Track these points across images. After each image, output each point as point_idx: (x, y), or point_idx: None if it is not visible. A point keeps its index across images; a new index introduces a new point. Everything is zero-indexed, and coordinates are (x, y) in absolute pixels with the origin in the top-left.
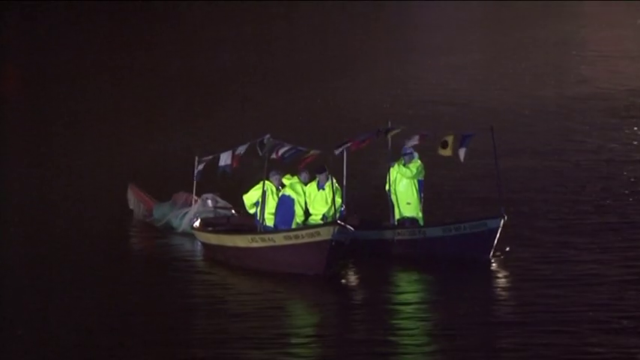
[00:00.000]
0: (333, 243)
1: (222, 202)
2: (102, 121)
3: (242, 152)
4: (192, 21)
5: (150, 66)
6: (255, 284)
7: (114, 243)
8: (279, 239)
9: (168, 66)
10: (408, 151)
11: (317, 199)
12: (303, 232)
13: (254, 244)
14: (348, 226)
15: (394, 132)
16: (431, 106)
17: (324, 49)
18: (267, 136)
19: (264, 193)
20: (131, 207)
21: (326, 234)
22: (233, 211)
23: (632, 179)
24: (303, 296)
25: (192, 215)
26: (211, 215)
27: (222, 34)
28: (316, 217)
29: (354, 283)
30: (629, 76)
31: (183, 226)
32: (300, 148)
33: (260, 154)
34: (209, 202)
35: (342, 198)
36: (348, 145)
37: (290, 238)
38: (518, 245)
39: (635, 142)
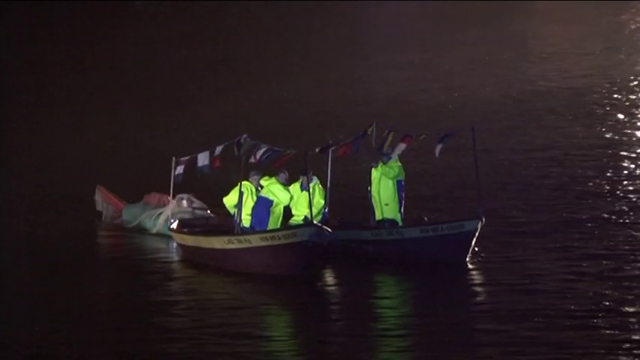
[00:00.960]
0: (310, 244)
1: (197, 203)
2: (66, 120)
3: (219, 152)
4: (151, 18)
5: (107, 63)
6: (232, 286)
7: (86, 245)
8: (255, 240)
9: (125, 63)
10: (387, 152)
11: (300, 201)
12: (280, 234)
13: (230, 246)
14: (325, 228)
15: (389, 141)
16: (372, 104)
17: (275, 47)
18: (245, 135)
19: (241, 194)
20: (99, 209)
21: (302, 235)
22: (209, 212)
23: (579, 177)
24: (279, 298)
25: (166, 216)
26: (187, 216)
27: (179, 31)
28: (298, 218)
29: (331, 285)
30: (574, 75)
31: (157, 226)
32: (277, 148)
33: (237, 153)
34: (184, 202)
35: (325, 199)
36: (332, 147)
37: (267, 239)
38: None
39: (578, 140)
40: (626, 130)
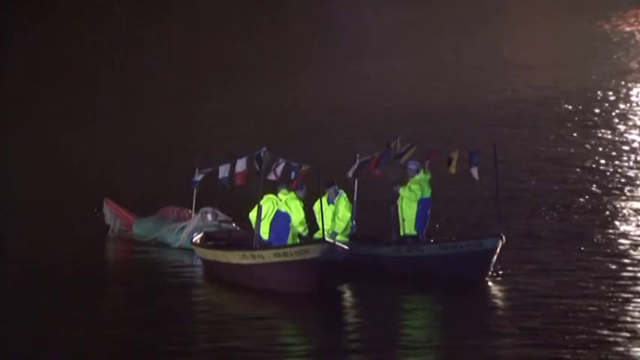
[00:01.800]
0: (322, 261)
1: (222, 216)
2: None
3: (244, 167)
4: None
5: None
6: (245, 302)
7: (104, 259)
8: (268, 256)
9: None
10: (411, 167)
11: (326, 214)
12: (293, 250)
13: (244, 261)
14: (339, 244)
15: (409, 154)
16: (351, 115)
17: (252, 52)
18: (264, 149)
19: (259, 208)
20: (107, 222)
21: (315, 252)
22: (234, 225)
23: (553, 189)
24: (294, 315)
25: (190, 230)
26: (213, 229)
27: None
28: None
29: (347, 302)
30: (543, 85)
31: (180, 240)
32: (294, 163)
33: (257, 168)
34: (209, 216)
35: (352, 213)
36: (358, 165)
37: (279, 255)
38: None
39: (547, 151)
40: (591, 141)
